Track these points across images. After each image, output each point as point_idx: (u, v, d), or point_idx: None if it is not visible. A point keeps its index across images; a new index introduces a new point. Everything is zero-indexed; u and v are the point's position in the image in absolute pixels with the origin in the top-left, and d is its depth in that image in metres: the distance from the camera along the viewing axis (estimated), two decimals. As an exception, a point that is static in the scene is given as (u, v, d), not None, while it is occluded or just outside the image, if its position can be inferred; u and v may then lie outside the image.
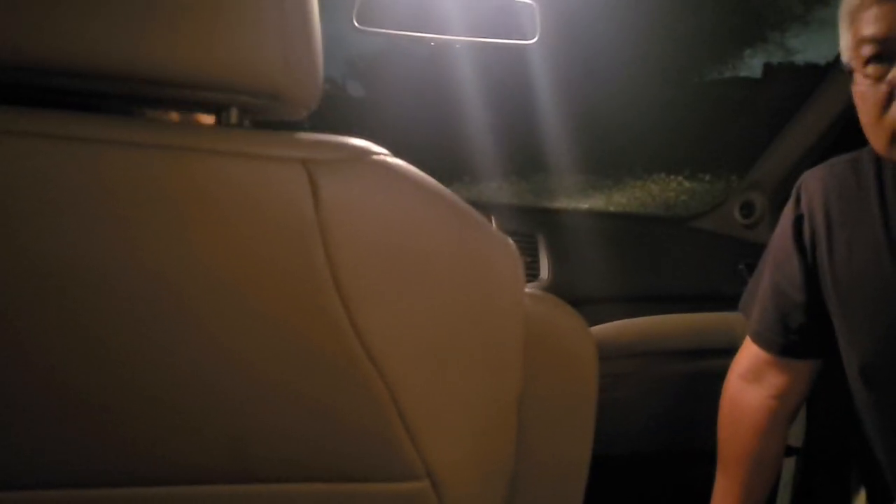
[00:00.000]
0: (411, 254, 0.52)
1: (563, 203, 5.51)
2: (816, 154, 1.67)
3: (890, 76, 0.90)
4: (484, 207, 1.70)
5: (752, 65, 7.90)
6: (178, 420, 0.52)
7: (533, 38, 1.29)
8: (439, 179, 0.57)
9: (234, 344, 0.50)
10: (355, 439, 0.55)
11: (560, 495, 0.72)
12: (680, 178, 5.65)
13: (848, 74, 1.01)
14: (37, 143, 0.45)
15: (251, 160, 0.47)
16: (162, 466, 0.52)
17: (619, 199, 5.68)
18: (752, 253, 1.72)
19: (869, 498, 1.40)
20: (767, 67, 7.90)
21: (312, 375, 0.52)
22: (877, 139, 0.95)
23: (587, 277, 1.56)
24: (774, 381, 1.16)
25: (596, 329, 1.49)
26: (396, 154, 0.53)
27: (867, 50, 0.93)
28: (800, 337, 1.10)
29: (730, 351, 1.57)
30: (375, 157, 0.51)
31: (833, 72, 1.61)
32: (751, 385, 1.18)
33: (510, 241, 0.60)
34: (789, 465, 1.72)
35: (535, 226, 1.58)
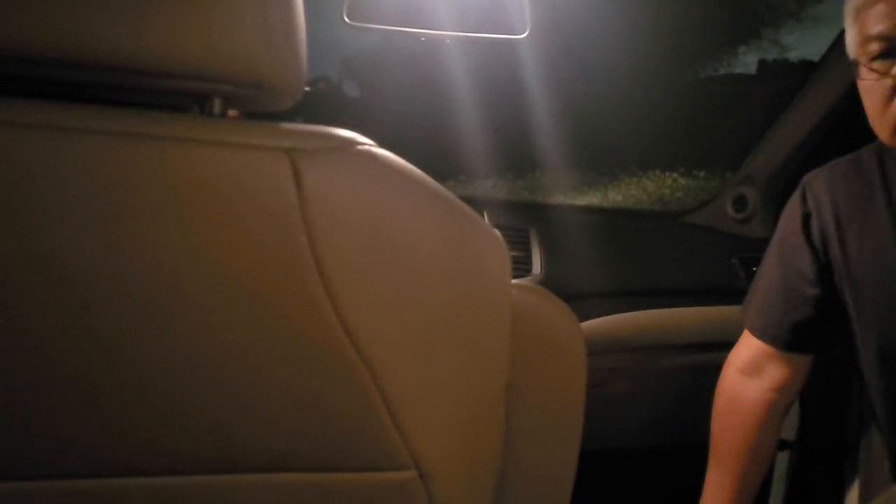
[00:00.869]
0: (396, 243, 0.52)
1: (558, 201, 5.52)
2: (808, 148, 1.67)
3: (895, 71, 0.93)
4: (477, 203, 1.70)
5: (747, 62, 7.92)
6: (162, 409, 0.51)
7: (523, 32, 1.29)
8: (435, 178, 0.57)
9: (220, 333, 0.50)
10: (341, 429, 0.54)
11: (550, 487, 0.72)
12: (675, 174, 5.66)
13: (853, 67, 1.03)
14: (17, 132, 0.45)
15: (233, 149, 0.47)
16: (145, 456, 0.52)
17: (614, 197, 5.68)
18: (745, 247, 1.72)
19: (864, 488, 1.40)
20: (762, 64, 7.92)
21: (297, 365, 0.52)
22: (882, 130, 0.98)
23: (580, 272, 1.56)
24: (775, 374, 1.18)
25: (589, 324, 1.49)
26: (391, 152, 0.53)
27: (873, 47, 0.96)
28: (806, 331, 1.13)
29: (725, 345, 1.58)
30: (360, 146, 0.51)
31: (823, 68, 1.61)
32: (750, 378, 1.20)
33: (497, 231, 0.60)
34: (783, 458, 1.72)
35: (527, 221, 1.58)
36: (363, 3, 1.24)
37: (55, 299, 0.47)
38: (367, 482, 0.56)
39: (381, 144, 0.54)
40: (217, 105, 0.52)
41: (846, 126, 1.64)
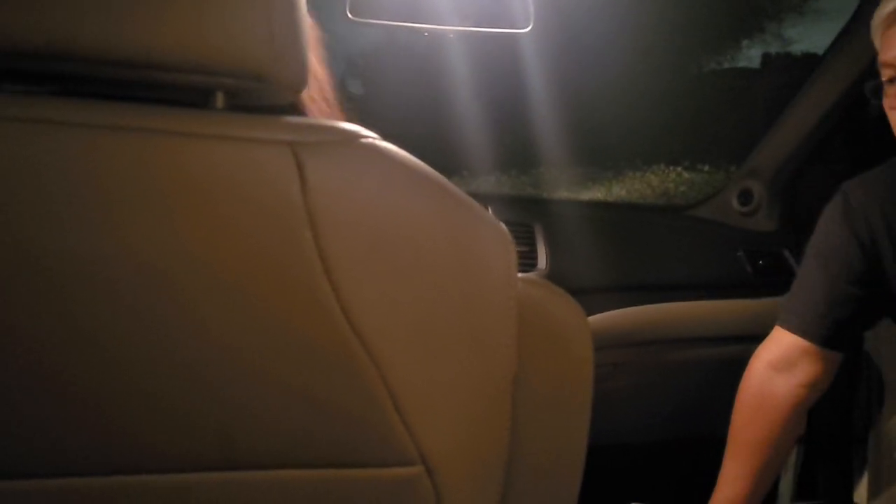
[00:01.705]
0: (401, 237, 0.52)
1: (562, 195, 5.51)
2: (813, 142, 1.67)
3: None
4: (481, 198, 1.70)
5: (751, 55, 7.89)
6: (167, 407, 0.51)
7: (527, 26, 1.29)
8: (439, 173, 0.56)
9: (222, 330, 0.50)
10: (347, 424, 0.54)
11: (558, 480, 0.72)
12: (679, 168, 5.64)
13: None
14: (17, 128, 0.45)
15: (237, 143, 0.47)
16: (150, 454, 0.52)
17: (618, 191, 5.67)
18: (751, 240, 1.72)
19: (873, 480, 1.41)
20: (765, 58, 7.89)
21: (302, 361, 0.52)
22: None
23: (585, 267, 1.55)
24: (808, 370, 1.20)
25: (594, 318, 1.48)
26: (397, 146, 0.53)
27: (887, 73, 1.02)
28: (846, 328, 1.17)
29: (730, 338, 1.58)
30: (364, 140, 0.51)
31: (827, 60, 1.60)
32: (780, 374, 1.22)
33: (502, 224, 0.60)
34: (792, 451, 1.71)
35: (532, 216, 1.58)
36: (366, -2, 1.24)
37: (53, 297, 0.47)
38: (373, 478, 0.55)
39: (386, 140, 0.54)
40: (219, 99, 0.51)
41: (852, 119, 1.63)
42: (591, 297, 1.51)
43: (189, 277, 0.48)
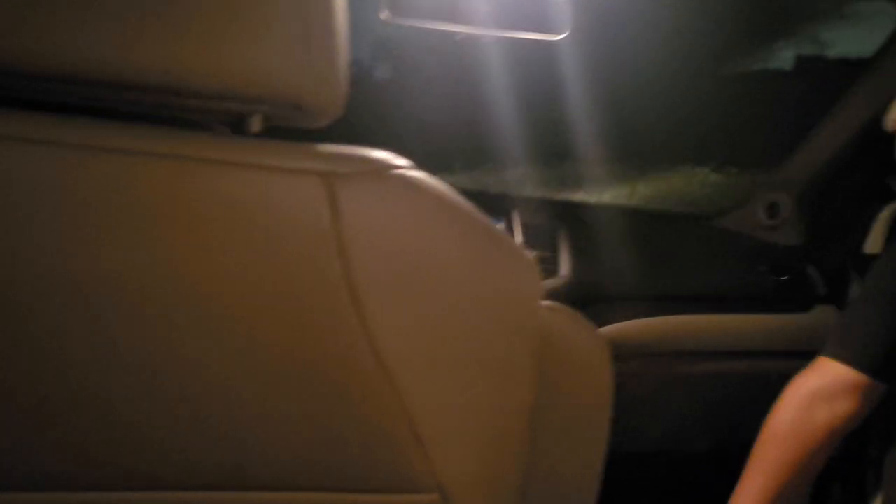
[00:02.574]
0: (429, 268, 0.52)
1: (586, 193, 5.49)
2: (847, 155, 1.64)
3: None
4: (508, 201, 1.70)
5: (783, 57, 7.79)
6: (188, 425, 0.52)
7: (562, 34, 1.28)
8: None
9: (247, 351, 0.51)
10: (364, 449, 0.55)
11: (571, 500, 0.72)
12: (706, 170, 5.59)
13: None
14: (58, 152, 0.46)
15: (270, 172, 0.48)
16: (169, 471, 0.52)
17: (643, 191, 5.62)
18: (775, 254, 1.70)
19: (889, 500, 1.41)
20: (798, 60, 7.79)
21: (323, 384, 0.53)
22: None
23: (607, 274, 1.55)
24: (853, 402, 1.22)
25: (614, 327, 1.49)
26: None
27: None
28: None
29: (748, 353, 1.57)
30: (396, 170, 0.51)
31: (865, 72, 1.58)
32: (823, 404, 1.23)
33: (528, 253, 0.60)
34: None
35: (557, 220, 1.58)
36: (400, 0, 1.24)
37: (83, 313, 0.48)
38: (391, 503, 0.56)
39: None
40: (255, 123, 0.52)
41: (890, 133, 1.61)
42: (612, 305, 1.52)
43: (217, 299, 0.49)
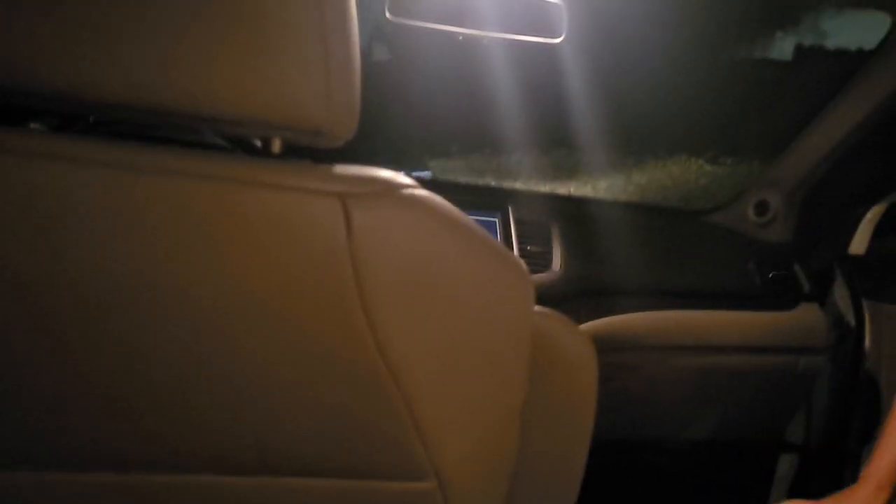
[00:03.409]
0: (432, 276, 0.57)
1: (581, 181, 5.53)
2: (838, 156, 1.65)
3: None
4: (504, 195, 1.74)
5: (783, 47, 7.79)
6: (212, 416, 0.58)
7: (559, 36, 1.32)
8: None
9: (264, 352, 0.56)
10: (371, 441, 0.60)
11: (558, 483, 0.78)
12: (701, 160, 5.61)
13: None
14: (86, 170, 0.49)
15: (291, 192, 0.52)
16: (195, 457, 0.58)
17: (638, 179, 5.66)
18: (763, 252, 1.74)
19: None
20: (798, 49, 7.78)
21: (335, 383, 0.57)
22: None
23: (599, 269, 1.58)
24: None
25: (606, 321, 1.53)
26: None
27: None
28: None
29: (736, 349, 1.62)
30: (405, 189, 0.55)
31: (857, 75, 1.59)
32: None
33: (523, 263, 0.64)
34: (786, 461, 1.76)
35: (550, 215, 1.61)
36: (404, 0, 1.28)
37: (108, 320, 0.53)
38: (392, 490, 0.61)
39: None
40: (276, 145, 0.56)
41: (882, 135, 1.63)
42: (603, 300, 1.56)
43: (236, 307, 0.54)
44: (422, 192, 0.56)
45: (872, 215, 1.70)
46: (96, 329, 0.53)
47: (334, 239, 0.52)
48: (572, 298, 1.53)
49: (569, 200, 1.85)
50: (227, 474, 0.59)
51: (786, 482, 1.73)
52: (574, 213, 1.67)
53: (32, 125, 0.62)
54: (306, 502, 0.61)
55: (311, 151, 0.57)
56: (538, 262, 1.52)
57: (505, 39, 1.36)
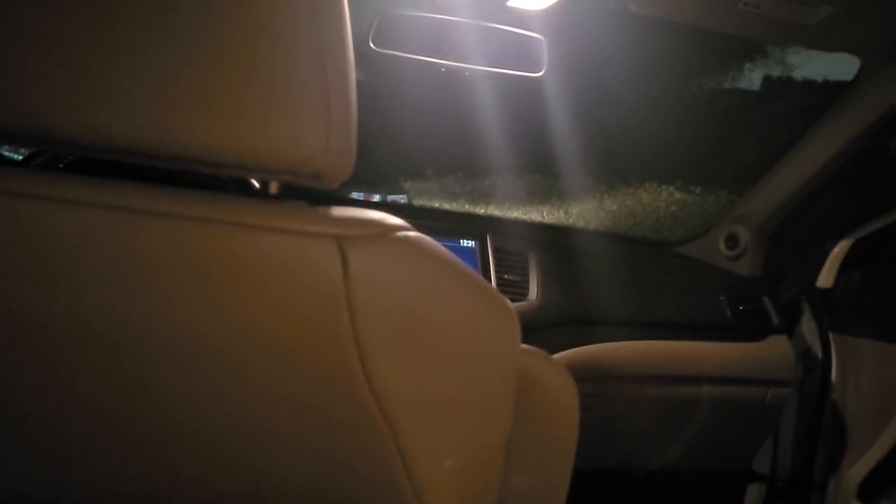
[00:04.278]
0: (426, 320, 0.58)
1: (554, 205, 5.58)
2: (805, 193, 1.70)
3: None
4: (483, 223, 1.76)
5: (752, 78, 7.95)
6: (207, 456, 0.58)
7: (540, 71, 1.34)
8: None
9: (261, 395, 0.56)
10: (362, 480, 0.61)
11: None
12: (671, 188, 5.71)
13: None
14: (84, 211, 0.50)
15: (290, 235, 0.52)
16: (190, 494, 0.59)
17: (609, 206, 5.73)
18: (733, 284, 1.78)
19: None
20: (766, 80, 7.96)
21: (329, 424, 0.58)
22: None
23: (574, 299, 1.60)
24: None
25: (580, 350, 1.54)
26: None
27: None
28: None
29: (706, 379, 1.64)
30: (400, 232, 0.56)
31: (824, 116, 1.62)
32: None
33: (509, 303, 0.66)
34: (754, 491, 1.79)
35: (527, 244, 1.63)
36: (389, 30, 1.29)
37: (112, 359, 0.54)
38: None
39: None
40: (274, 187, 0.57)
41: (848, 172, 1.67)
42: (577, 328, 1.58)
43: (231, 349, 0.54)
44: (415, 234, 0.58)
45: (839, 250, 1.74)
46: (93, 368, 0.54)
47: (331, 281, 0.53)
48: (548, 327, 1.54)
49: (546, 229, 1.87)
50: None
51: (752, 512, 1.75)
52: (551, 242, 1.69)
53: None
54: None
55: (306, 190, 0.58)
56: (515, 290, 1.54)
57: (487, 71, 1.38)
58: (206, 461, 0.59)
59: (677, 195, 5.67)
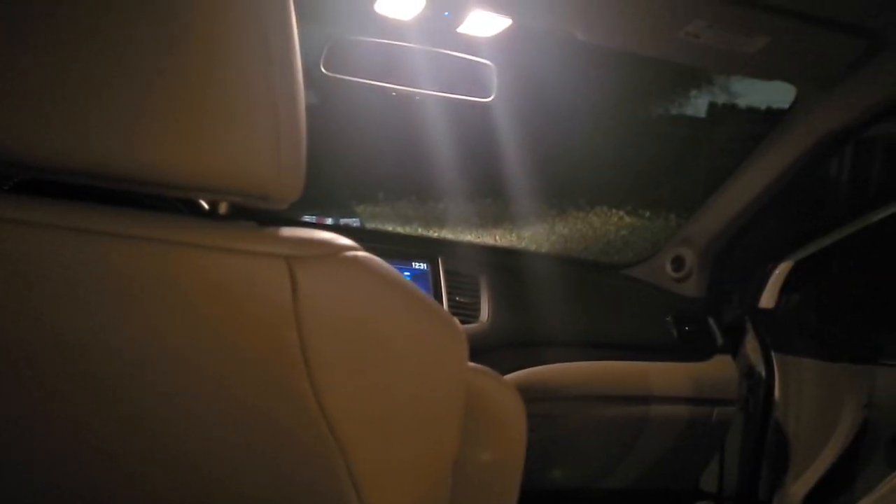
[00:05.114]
0: (374, 339, 0.59)
1: (507, 228, 5.64)
2: (746, 217, 1.75)
3: None
4: (434, 245, 1.77)
5: (698, 105, 8.15)
6: (154, 479, 0.59)
7: (490, 96, 1.37)
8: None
9: (209, 416, 0.57)
10: (310, 497, 0.61)
11: None
12: (621, 212, 5.81)
13: None
14: (25, 231, 0.50)
15: (239, 255, 0.53)
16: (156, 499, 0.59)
17: (561, 229, 5.80)
18: (679, 305, 1.82)
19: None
20: (712, 108, 8.18)
21: (279, 444, 0.59)
22: None
23: (524, 320, 1.62)
24: None
25: (531, 371, 1.56)
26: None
27: None
28: None
29: (655, 399, 1.67)
30: (348, 252, 0.57)
31: (764, 142, 1.68)
32: None
33: (457, 322, 0.67)
34: (701, 509, 1.82)
35: (478, 267, 1.65)
36: (339, 55, 1.31)
37: (78, 379, 0.54)
38: None
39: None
40: (223, 207, 0.58)
41: (788, 195, 1.73)
42: (528, 350, 1.59)
43: (180, 369, 0.55)
44: (364, 254, 0.58)
45: (781, 271, 1.79)
46: (35, 390, 0.54)
47: (280, 301, 0.53)
48: (499, 349, 1.56)
49: (497, 252, 1.89)
50: None
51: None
52: (503, 264, 1.71)
53: None
54: None
55: (256, 211, 0.58)
56: (467, 312, 1.55)
57: (437, 96, 1.40)
58: (151, 489, 0.59)
59: (627, 219, 5.77)
